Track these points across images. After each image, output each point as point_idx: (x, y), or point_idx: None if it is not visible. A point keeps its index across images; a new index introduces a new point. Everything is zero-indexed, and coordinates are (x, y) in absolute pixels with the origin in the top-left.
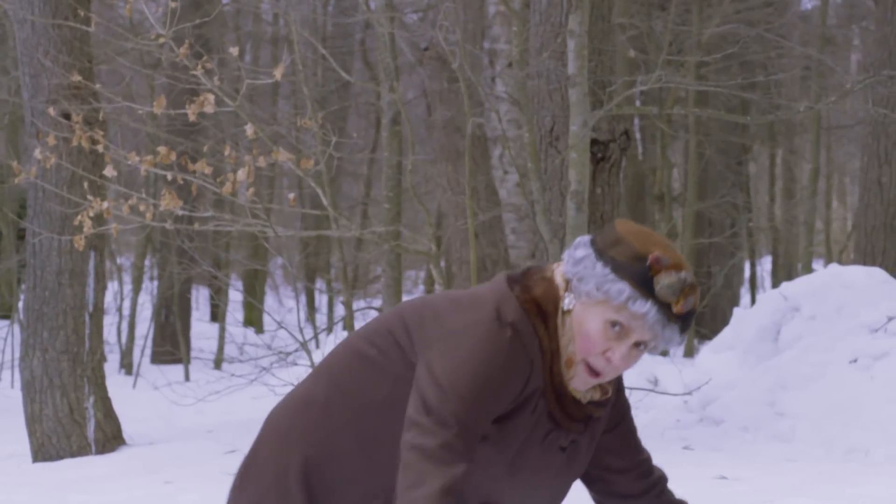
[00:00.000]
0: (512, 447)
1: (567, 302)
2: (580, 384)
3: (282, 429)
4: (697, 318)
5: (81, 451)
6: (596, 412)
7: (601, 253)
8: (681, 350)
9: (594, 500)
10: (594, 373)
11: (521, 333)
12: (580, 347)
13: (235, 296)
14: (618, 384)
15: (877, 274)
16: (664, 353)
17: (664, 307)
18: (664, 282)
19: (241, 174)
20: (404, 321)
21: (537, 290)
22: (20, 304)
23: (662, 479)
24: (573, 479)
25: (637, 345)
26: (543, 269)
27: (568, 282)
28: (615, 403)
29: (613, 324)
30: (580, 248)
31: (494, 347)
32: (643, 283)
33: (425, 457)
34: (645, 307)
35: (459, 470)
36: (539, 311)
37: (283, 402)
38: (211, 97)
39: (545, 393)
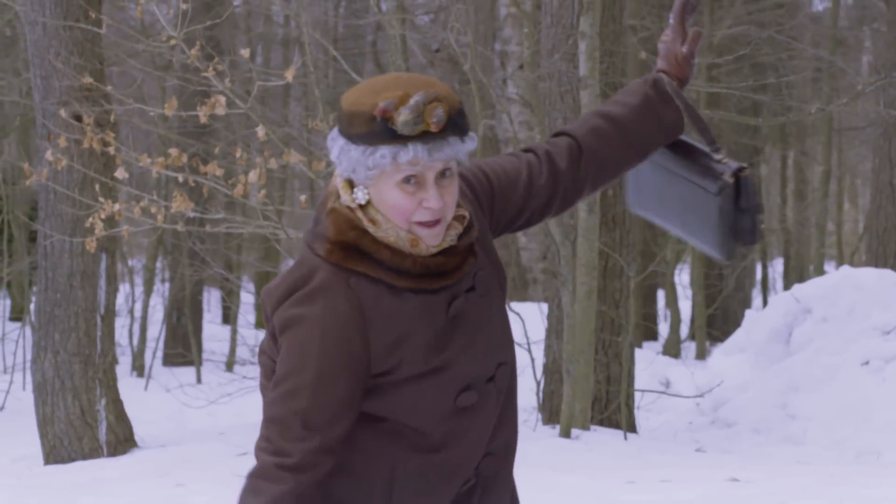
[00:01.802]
0: (429, 352)
1: (360, 196)
2: (432, 239)
3: None
4: (709, 320)
5: (93, 453)
6: (471, 237)
7: (347, 136)
8: (693, 352)
9: (591, 187)
10: (431, 224)
11: (334, 293)
12: (399, 220)
13: (247, 298)
14: (468, 187)
15: (888, 276)
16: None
17: (424, 137)
18: (401, 122)
19: (253, 176)
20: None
21: (331, 233)
22: (32, 307)
23: (596, 117)
24: (501, 294)
25: (443, 176)
26: (324, 204)
27: (348, 181)
28: (475, 199)
29: (407, 180)
30: (333, 144)
31: (314, 320)
32: (391, 135)
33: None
34: (409, 152)
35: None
36: (345, 250)
37: None
38: (222, 99)
39: (414, 290)
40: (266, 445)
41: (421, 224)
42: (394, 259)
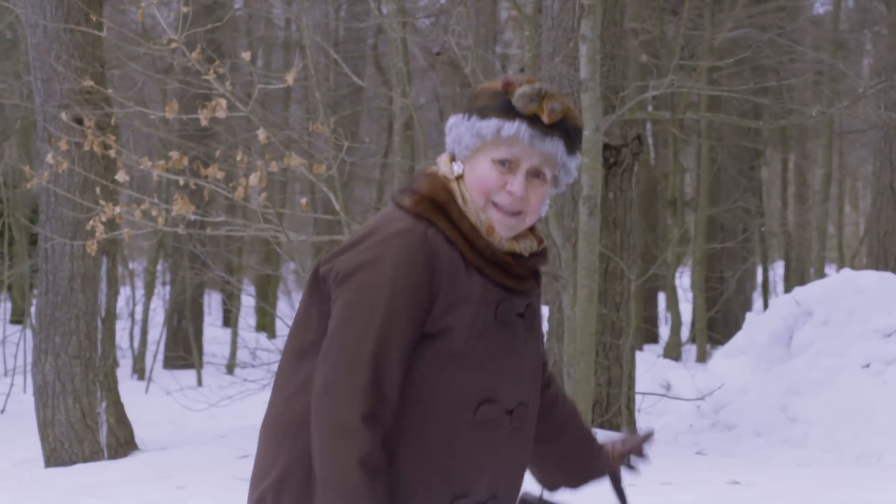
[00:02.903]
0: (473, 332)
1: (456, 168)
2: (504, 230)
3: None
4: (710, 323)
5: (94, 456)
6: (540, 263)
7: (466, 110)
8: (693, 355)
9: None
10: (507, 212)
11: (412, 237)
12: (480, 193)
13: (248, 300)
14: None
15: (889, 279)
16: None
17: (533, 121)
18: (518, 94)
19: (254, 179)
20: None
21: (423, 188)
22: (32, 310)
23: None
24: (540, 345)
25: (536, 175)
26: (427, 168)
27: (452, 155)
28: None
29: (501, 162)
30: (450, 120)
31: (388, 261)
32: (505, 108)
33: (332, 425)
34: (513, 127)
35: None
36: (433, 204)
37: None
38: (223, 102)
39: (481, 270)
40: (335, 395)
41: (497, 207)
42: (472, 233)
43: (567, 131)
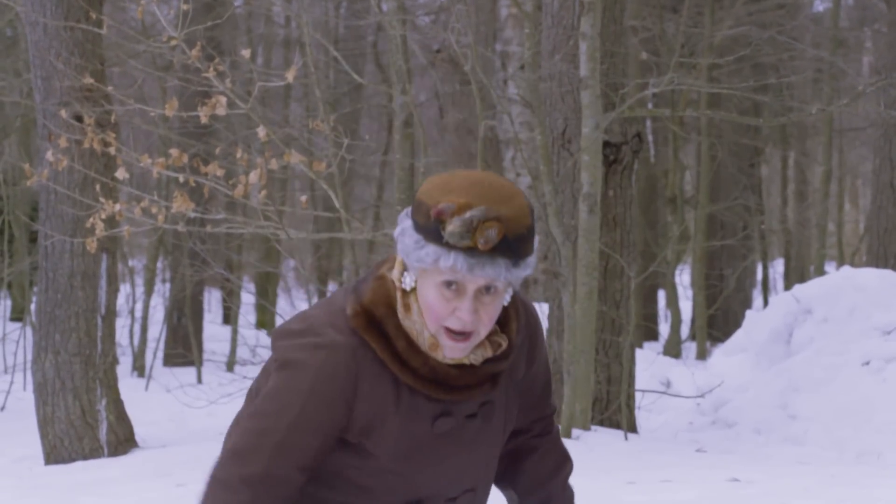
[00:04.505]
0: (398, 454)
1: (407, 282)
2: (454, 353)
3: None
4: (710, 321)
5: (93, 453)
6: (497, 368)
7: (413, 220)
8: (693, 353)
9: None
10: (458, 335)
11: (340, 354)
12: (430, 320)
13: (248, 298)
14: (528, 332)
15: (889, 276)
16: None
17: (470, 250)
18: (448, 231)
19: (254, 176)
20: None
21: (366, 297)
22: (32, 307)
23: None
24: (500, 433)
25: (486, 292)
26: (382, 265)
27: (403, 261)
28: (528, 349)
29: (448, 284)
30: (401, 221)
31: (310, 370)
32: (439, 238)
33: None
34: (450, 260)
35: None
36: (370, 321)
37: None
38: (223, 99)
39: (413, 389)
40: (228, 461)
41: (449, 332)
42: (407, 352)
43: (510, 248)
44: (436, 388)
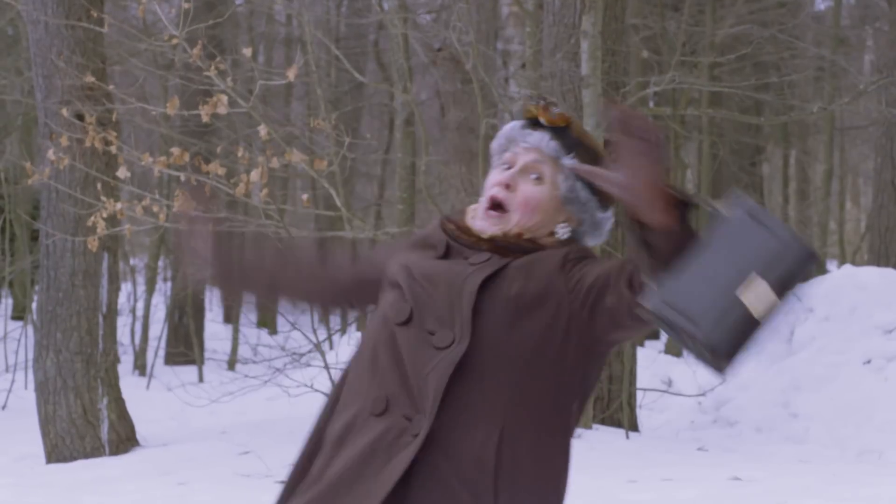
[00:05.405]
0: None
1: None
2: (483, 223)
3: None
4: None
5: (95, 452)
6: (490, 245)
7: None
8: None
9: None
10: (493, 205)
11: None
12: (483, 198)
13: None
14: (562, 256)
15: (890, 275)
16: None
17: (529, 122)
18: (525, 107)
19: (255, 175)
20: None
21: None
22: (34, 306)
23: None
24: (459, 294)
25: (528, 173)
26: None
27: None
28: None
29: (502, 164)
30: None
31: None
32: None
33: None
34: (510, 127)
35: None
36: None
37: None
38: (224, 98)
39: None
40: None
41: (490, 199)
42: (453, 219)
43: (564, 136)
44: (454, 232)
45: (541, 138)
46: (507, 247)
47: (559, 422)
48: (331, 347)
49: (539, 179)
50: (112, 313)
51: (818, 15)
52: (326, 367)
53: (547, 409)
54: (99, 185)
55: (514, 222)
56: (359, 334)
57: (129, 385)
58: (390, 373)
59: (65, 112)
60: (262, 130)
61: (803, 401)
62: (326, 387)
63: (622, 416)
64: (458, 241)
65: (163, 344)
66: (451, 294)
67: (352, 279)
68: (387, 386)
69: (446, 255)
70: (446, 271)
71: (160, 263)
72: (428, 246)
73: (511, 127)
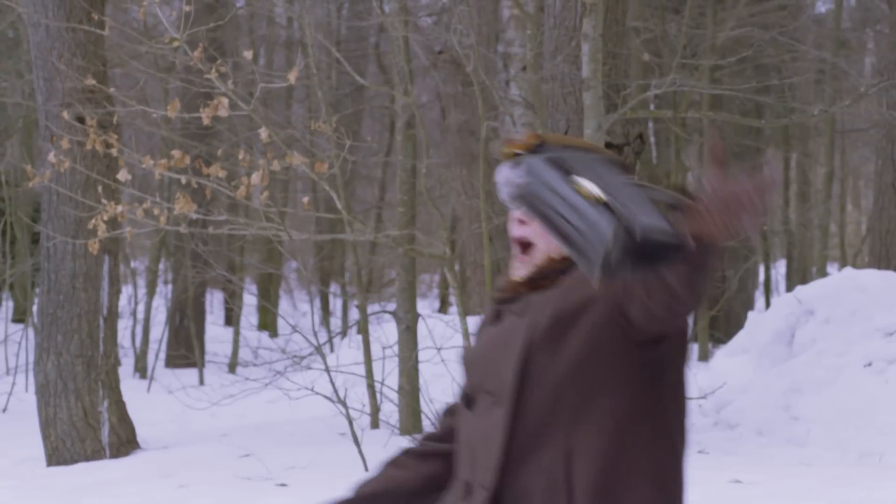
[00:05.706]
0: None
1: None
2: (516, 269)
3: None
4: (712, 322)
5: (96, 454)
6: (528, 286)
7: None
8: (695, 354)
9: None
10: (521, 247)
11: None
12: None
13: (250, 299)
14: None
15: (891, 278)
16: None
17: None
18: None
19: (256, 178)
20: None
21: None
22: (34, 308)
23: None
24: (504, 353)
25: (519, 222)
26: None
27: None
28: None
29: (513, 220)
30: None
31: None
32: None
33: None
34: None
35: None
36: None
37: None
38: (225, 101)
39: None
40: None
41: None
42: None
43: (515, 156)
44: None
45: (498, 176)
46: (544, 277)
47: (644, 437)
48: (332, 350)
49: (526, 221)
50: (113, 316)
51: (819, 17)
52: (327, 370)
53: (623, 427)
54: (100, 188)
55: (536, 260)
56: (358, 337)
57: (130, 388)
58: (464, 456)
59: (66, 115)
60: (263, 133)
61: (804, 403)
62: (327, 390)
63: None
64: (503, 301)
65: (163, 347)
66: (490, 368)
67: None
68: (464, 471)
69: (497, 319)
70: (487, 343)
71: (161, 266)
72: (484, 324)
73: (498, 177)
